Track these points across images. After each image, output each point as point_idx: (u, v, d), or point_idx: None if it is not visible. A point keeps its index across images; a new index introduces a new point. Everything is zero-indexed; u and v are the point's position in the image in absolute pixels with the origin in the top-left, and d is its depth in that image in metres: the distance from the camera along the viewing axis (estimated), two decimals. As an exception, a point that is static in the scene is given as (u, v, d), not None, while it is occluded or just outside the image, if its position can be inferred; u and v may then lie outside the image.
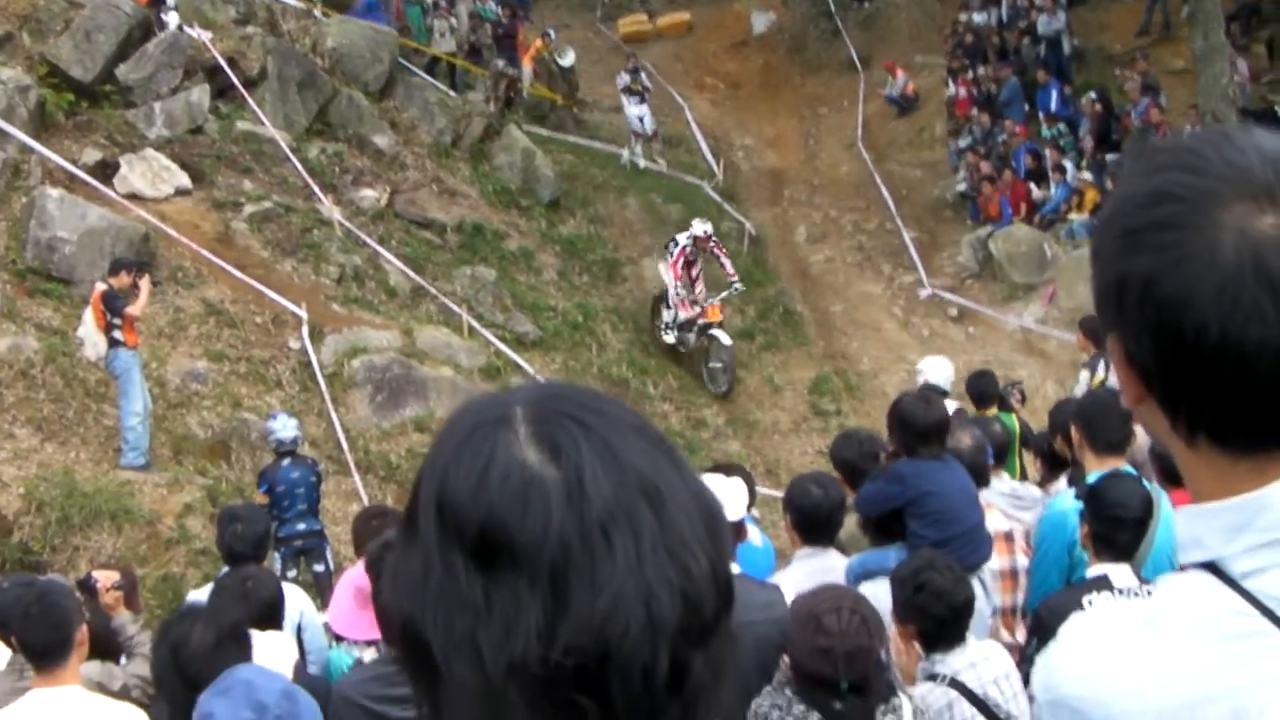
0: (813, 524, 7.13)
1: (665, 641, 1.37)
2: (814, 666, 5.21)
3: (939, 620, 5.76)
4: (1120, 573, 6.32)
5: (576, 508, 1.38)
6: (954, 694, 5.62)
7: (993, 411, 12.39)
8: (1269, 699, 1.58)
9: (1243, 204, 1.62)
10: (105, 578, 8.11)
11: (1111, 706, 1.67)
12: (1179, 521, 1.78)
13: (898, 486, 7.30)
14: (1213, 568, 1.69)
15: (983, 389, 12.84)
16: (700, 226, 24.14)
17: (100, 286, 16.70)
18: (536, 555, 1.37)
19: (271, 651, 5.55)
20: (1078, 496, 7.03)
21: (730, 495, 6.41)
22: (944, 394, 12.36)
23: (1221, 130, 1.77)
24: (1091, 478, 7.07)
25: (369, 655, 6.89)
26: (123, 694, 6.64)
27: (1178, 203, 1.65)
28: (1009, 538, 8.36)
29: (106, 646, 7.64)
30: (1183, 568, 1.76)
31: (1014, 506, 8.87)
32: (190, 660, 4.84)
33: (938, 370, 13.90)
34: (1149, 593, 1.76)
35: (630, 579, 1.37)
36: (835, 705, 5.24)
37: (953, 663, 5.72)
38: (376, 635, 6.15)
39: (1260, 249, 1.59)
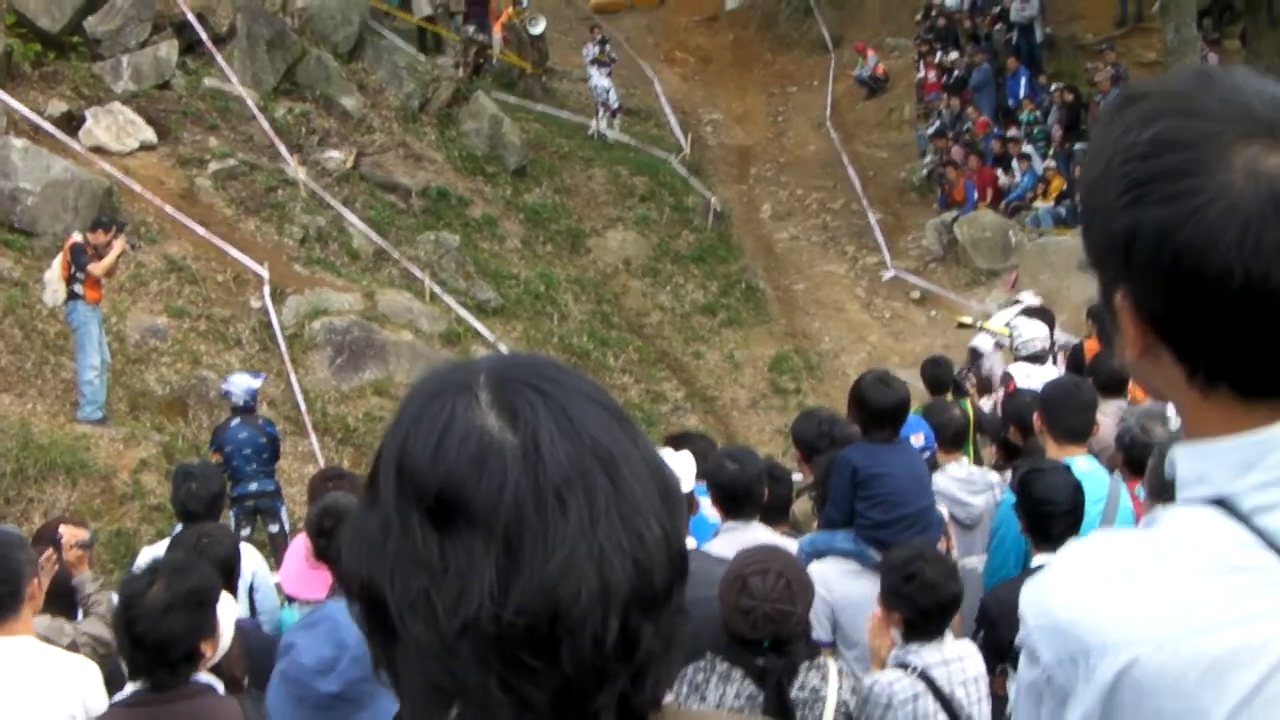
0: (731, 497, 7.12)
1: (616, 607, 1.40)
2: (736, 625, 5.32)
3: (924, 612, 5.77)
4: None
5: (532, 471, 1.41)
6: (921, 687, 5.64)
7: (949, 399, 12.41)
8: (1272, 632, 1.58)
9: (1249, 144, 1.62)
10: (71, 534, 8.05)
11: (1109, 632, 1.64)
12: (1181, 458, 1.76)
13: (847, 476, 7.31)
14: (1219, 503, 1.68)
15: (938, 375, 12.84)
16: None
17: (75, 237, 16.65)
18: (491, 517, 1.39)
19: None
20: (1011, 488, 7.08)
21: (678, 468, 6.43)
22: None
23: (1201, 71, 1.77)
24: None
25: (309, 614, 6.90)
26: (71, 650, 6.61)
27: (1184, 149, 1.64)
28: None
29: (61, 602, 7.61)
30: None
31: (965, 491, 8.91)
32: (139, 618, 4.82)
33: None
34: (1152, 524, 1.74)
35: (583, 543, 1.39)
36: (758, 662, 5.35)
37: (926, 656, 5.73)
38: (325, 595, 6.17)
39: (1277, 187, 1.60)
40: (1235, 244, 1.59)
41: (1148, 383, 1.82)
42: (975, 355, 15.99)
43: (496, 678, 1.40)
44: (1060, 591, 1.72)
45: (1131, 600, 1.65)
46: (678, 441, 8.78)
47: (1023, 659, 1.77)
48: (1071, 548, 1.79)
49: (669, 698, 1.54)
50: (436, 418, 1.46)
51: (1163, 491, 4.83)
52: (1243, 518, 1.65)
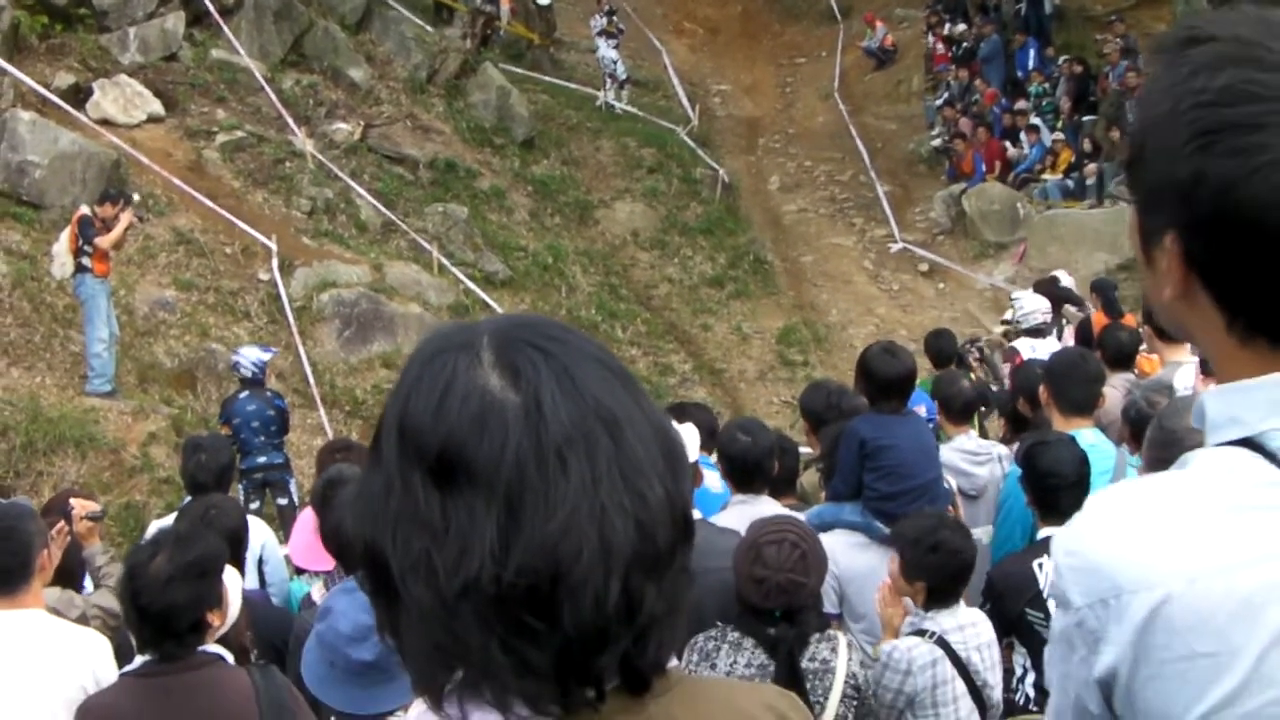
0: (742, 471, 7.12)
1: (618, 567, 1.40)
2: (748, 594, 5.35)
3: (951, 577, 5.81)
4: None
5: (534, 431, 1.41)
6: (939, 652, 5.67)
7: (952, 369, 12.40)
8: None
9: None
10: (81, 506, 8.04)
11: (1141, 570, 1.64)
12: (1210, 401, 1.77)
13: (854, 448, 7.31)
14: (1249, 444, 1.68)
15: (941, 347, 12.85)
16: None
17: (83, 209, 16.64)
18: (493, 476, 1.40)
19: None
20: (1016, 461, 7.08)
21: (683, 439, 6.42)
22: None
23: (1265, 17, 1.76)
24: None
25: (317, 586, 6.93)
26: (80, 622, 6.62)
27: (1255, 102, 1.65)
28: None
29: (71, 574, 7.63)
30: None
31: (971, 462, 8.92)
32: (143, 589, 4.83)
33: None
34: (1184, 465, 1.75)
35: (585, 502, 1.39)
36: (770, 632, 5.38)
37: (943, 622, 5.76)
38: (331, 566, 6.19)
39: None
40: None
41: (1178, 323, 1.82)
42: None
43: (498, 639, 1.41)
44: (1091, 533, 1.72)
45: (1162, 539, 1.65)
46: (678, 412, 8.77)
47: (1055, 608, 1.77)
48: (1102, 492, 1.80)
49: (678, 664, 1.54)
50: (438, 377, 1.47)
51: (1158, 462, 4.83)
52: (1272, 456, 1.65)
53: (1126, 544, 1.67)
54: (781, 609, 5.34)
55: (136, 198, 18.52)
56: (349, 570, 5.49)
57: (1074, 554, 1.73)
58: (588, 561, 1.38)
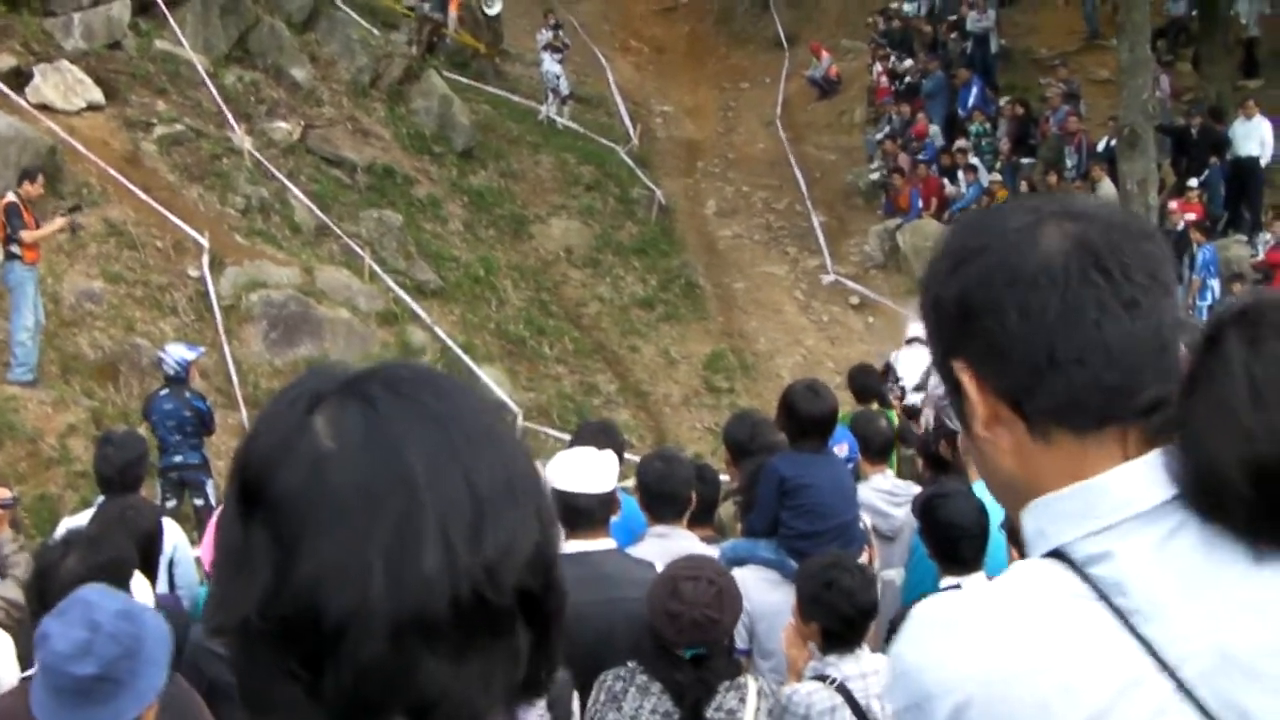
0: (658, 499, 7.12)
1: (380, 629, 1.36)
2: (662, 629, 5.30)
3: (845, 620, 5.77)
4: (973, 582, 6.38)
5: (329, 477, 1.40)
6: (839, 699, 5.63)
7: (873, 407, 12.46)
8: (1098, 675, 1.64)
9: None
10: None
11: (944, 675, 1.71)
12: (1026, 517, 1.83)
13: (773, 485, 7.34)
14: (1058, 555, 1.75)
15: (865, 384, 12.92)
16: None
17: (9, 197, 16.50)
18: (283, 512, 1.40)
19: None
20: (914, 514, 7.14)
21: (601, 468, 6.42)
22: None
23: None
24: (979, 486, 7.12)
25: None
26: (-15, 612, 6.58)
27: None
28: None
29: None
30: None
31: (888, 503, 8.97)
32: (55, 590, 4.80)
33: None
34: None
35: (352, 556, 1.37)
36: (677, 676, 5.34)
37: (845, 668, 5.73)
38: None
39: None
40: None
41: (995, 460, 1.88)
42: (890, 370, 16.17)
43: (276, 682, 1.40)
44: (908, 641, 1.79)
45: (967, 645, 1.71)
46: (600, 435, 8.74)
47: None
48: (924, 602, 1.87)
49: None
50: (279, 414, 1.47)
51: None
52: (1077, 568, 1.72)
53: (935, 652, 1.74)
54: (694, 646, 5.33)
55: (80, 212, 18.44)
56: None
57: (896, 659, 1.81)
58: (343, 614, 1.36)
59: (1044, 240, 1.79)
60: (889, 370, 16.14)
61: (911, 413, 14.16)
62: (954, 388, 1.88)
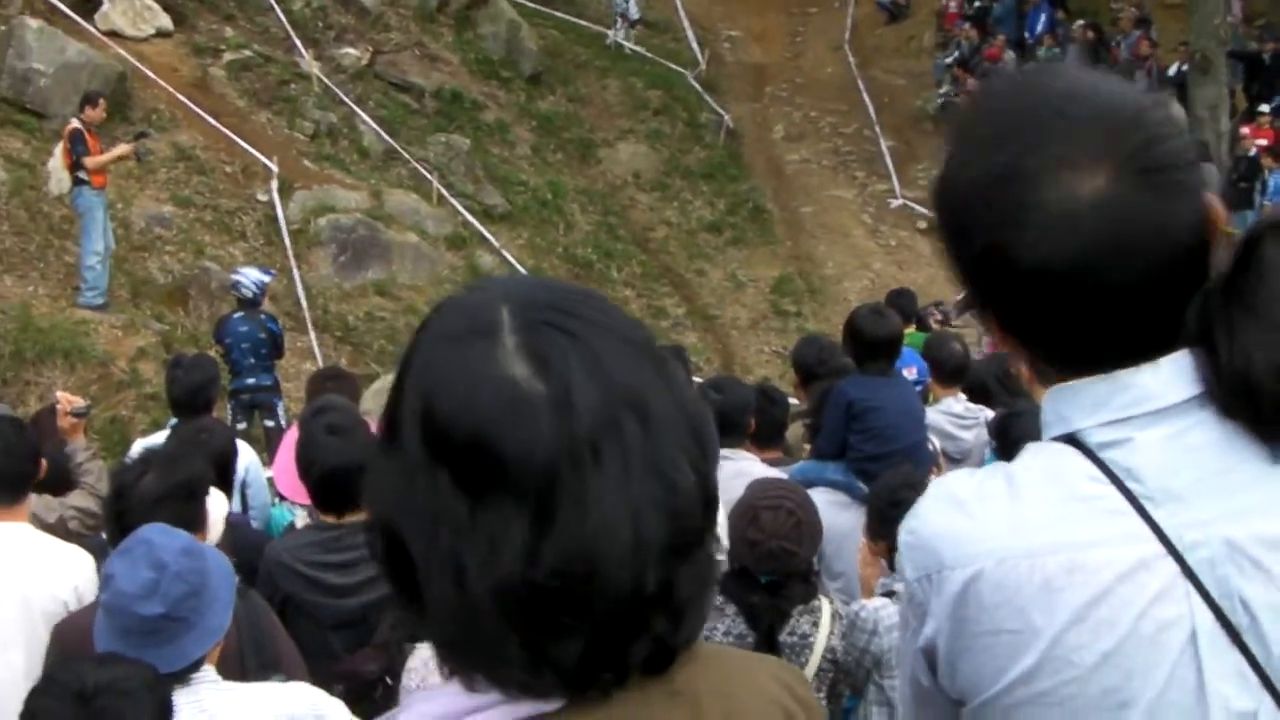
0: (717, 427, 7.12)
1: (653, 559, 1.36)
2: (740, 556, 5.32)
3: None
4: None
5: (565, 425, 1.35)
6: (907, 614, 5.62)
7: (910, 330, 12.29)
8: (1105, 556, 1.70)
9: None
10: (66, 401, 7.95)
11: (959, 547, 1.78)
12: (1045, 401, 1.88)
13: (841, 409, 7.33)
14: (1073, 439, 1.80)
15: (901, 306, 12.75)
16: None
17: (73, 123, 16.59)
18: (523, 473, 1.34)
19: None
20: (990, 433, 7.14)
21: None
22: None
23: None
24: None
25: (301, 515, 6.91)
26: (59, 525, 6.61)
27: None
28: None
29: (55, 477, 7.62)
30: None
31: (957, 426, 8.94)
32: (130, 509, 4.82)
33: None
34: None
35: (619, 498, 1.35)
36: (752, 599, 5.36)
37: None
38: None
39: None
40: None
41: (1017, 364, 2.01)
42: None
43: (521, 636, 1.37)
44: (925, 514, 1.87)
45: (982, 521, 1.79)
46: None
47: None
48: (941, 478, 1.96)
49: None
50: (464, 367, 1.40)
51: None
52: (1090, 452, 1.77)
53: (951, 524, 1.82)
54: (770, 575, 5.33)
55: (148, 138, 18.50)
56: (324, 508, 5.51)
57: (911, 532, 1.88)
58: (623, 558, 1.35)
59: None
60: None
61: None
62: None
